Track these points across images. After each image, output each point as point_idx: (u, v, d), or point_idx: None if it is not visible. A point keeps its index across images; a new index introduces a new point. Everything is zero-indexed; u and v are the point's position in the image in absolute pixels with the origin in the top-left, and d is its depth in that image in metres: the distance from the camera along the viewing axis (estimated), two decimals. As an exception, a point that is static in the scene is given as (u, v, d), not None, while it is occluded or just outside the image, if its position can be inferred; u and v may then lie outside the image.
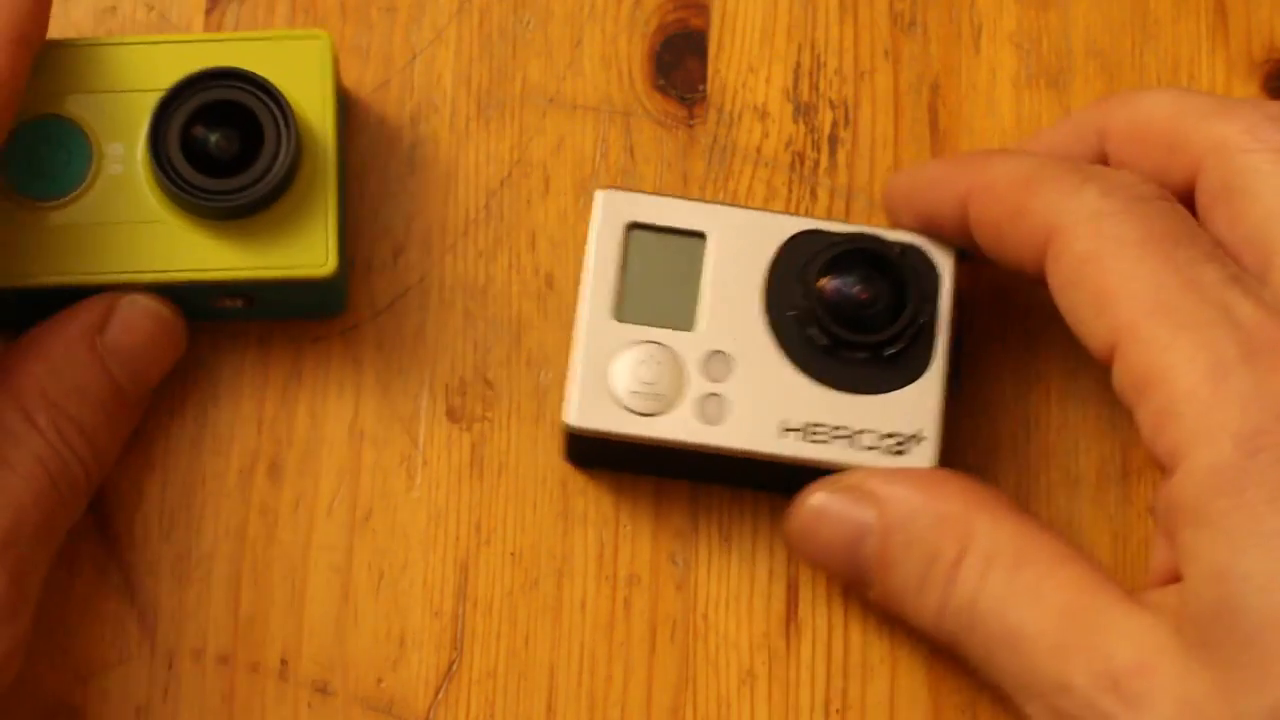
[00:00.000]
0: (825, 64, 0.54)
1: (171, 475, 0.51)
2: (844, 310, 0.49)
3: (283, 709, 0.50)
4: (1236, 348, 0.43)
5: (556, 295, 0.53)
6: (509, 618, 0.51)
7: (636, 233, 0.50)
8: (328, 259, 0.49)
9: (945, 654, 0.51)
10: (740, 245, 0.50)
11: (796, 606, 0.51)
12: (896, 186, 0.50)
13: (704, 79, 0.54)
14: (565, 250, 0.53)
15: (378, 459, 0.52)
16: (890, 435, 0.49)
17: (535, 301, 0.53)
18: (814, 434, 0.49)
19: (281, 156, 0.49)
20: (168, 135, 0.49)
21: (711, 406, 0.49)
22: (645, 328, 0.49)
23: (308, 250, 0.49)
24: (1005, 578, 0.46)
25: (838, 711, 0.51)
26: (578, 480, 0.52)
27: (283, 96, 0.49)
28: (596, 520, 0.52)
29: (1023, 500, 0.52)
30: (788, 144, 0.54)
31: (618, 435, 0.49)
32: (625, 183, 0.53)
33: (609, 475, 0.52)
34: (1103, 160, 0.49)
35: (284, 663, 0.51)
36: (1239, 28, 0.55)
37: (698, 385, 0.49)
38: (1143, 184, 0.46)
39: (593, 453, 0.51)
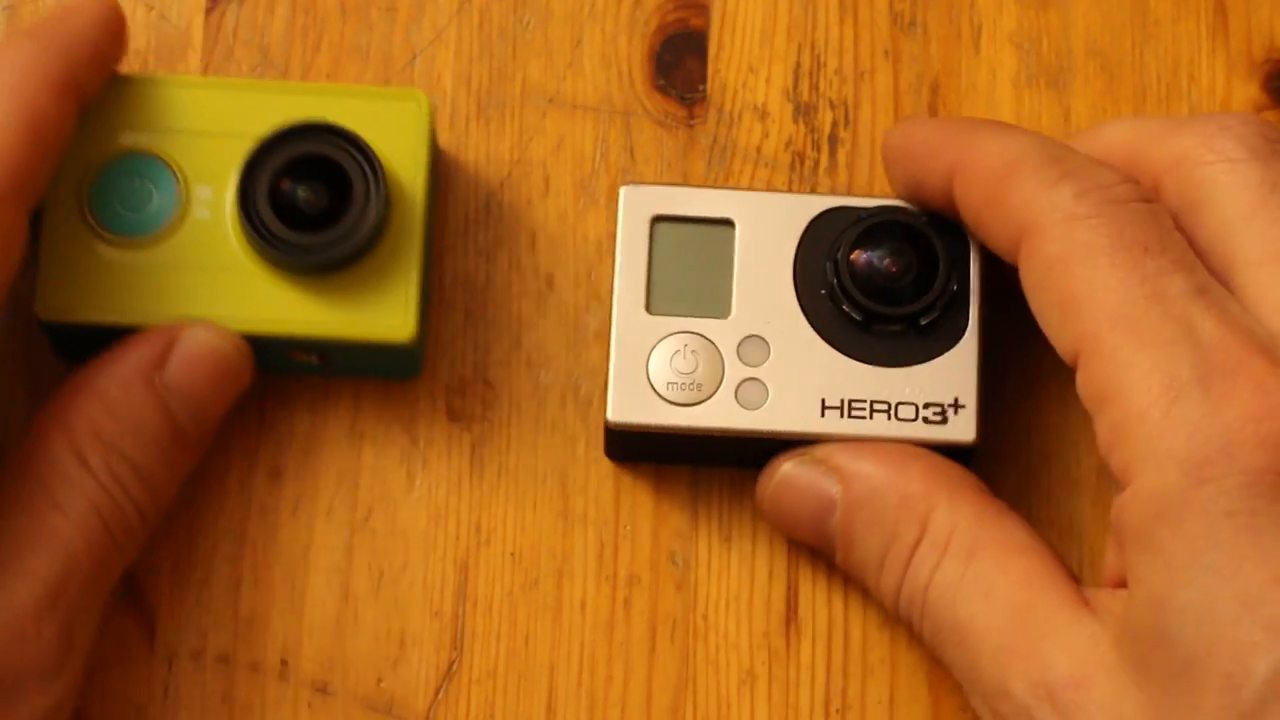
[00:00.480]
0: (825, 64, 0.54)
1: (171, 475, 0.51)
2: (875, 283, 0.49)
3: (283, 709, 0.50)
4: (1192, 369, 0.43)
5: (556, 295, 0.53)
6: (509, 618, 0.51)
7: (662, 225, 0.50)
8: (406, 324, 0.49)
9: (945, 654, 0.51)
10: (767, 228, 0.50)
11: (796, 606, 0.51)
12: (891, 145, 0.50)
13: (704, 79, 0.54)
14: (565, 250, 0.53)
15: (378, 459, 0.52)
16: (929, 405, 0.49)
17: (535, 301, 0.53)
18: (854, 410, 0.49)
19: (370, 215, 0.48)
20: (257, 186, 0.48)
21: (750, 391, 0.49)
22: (679, 318, 0.49)
23: (387, 313, 0.49)
24: (957, 568, 0.46)
25: (838, 711, 0.51)
26: (578, 480, 0.52)
27: (375, 154, 0.48)
28: (596, 520, 0.52)
29: (1023, 500, 0.52)
30: (788, 144, 0.54)
31: (658, 428, 0.49)
32: (625, 183, 0.53)
33: (609, 475, 0.52)
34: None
35: (284, 663, 0.51)
36: (1239, 28, 0.55)
37: (735, 371, 0.49)
38: (1120, 184, 0.46)
39: (634, 447, 0.51)
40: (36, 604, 0.45)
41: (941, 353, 0.49)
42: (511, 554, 0.51)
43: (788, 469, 0.49)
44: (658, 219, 0.50)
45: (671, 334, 0.49)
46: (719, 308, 0.50)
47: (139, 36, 0.54)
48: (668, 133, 0.54)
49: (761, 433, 0.49)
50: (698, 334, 0.49)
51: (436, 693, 0.51)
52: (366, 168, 0.49)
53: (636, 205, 0.50)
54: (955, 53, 0.54)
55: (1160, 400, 0.43)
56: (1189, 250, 0.45)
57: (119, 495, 0.46)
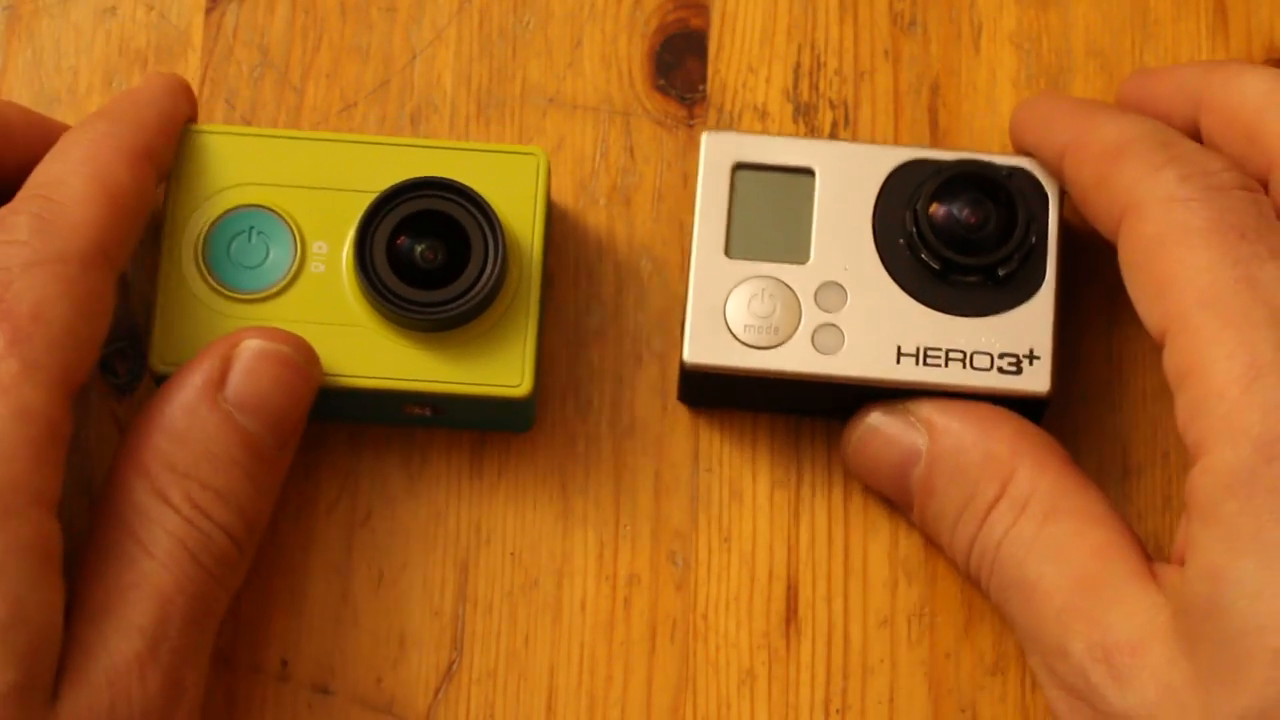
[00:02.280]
0: (825, 64, 0.54)
1: (171, 475, 0.51)
2: (954, 234, 0.49)
3: (282, 709, 0.50)
4: (1276, 351, 0.43)
5: (557, 295, 0.53)
6: (509, 618, 0.51)
7: (743, 172, 0.50)
8: (523, 381, 0.49)
9: (945, 654, 0.51)
10: (847, 178, 0.50)
11: (796, 606, 0.51)
12: (1016, 116, 0.51)
13: (704, 79, 0.54)
14: (565, 250, 0.53)
15: (378, 459, 0.52)
16: (1005, 355, 0.49)
17: (535, 301, 0.53)
18: (929, 358, 0.49)
19: (488, 273, 0.48)
20: (374, 242, 0.48)
21: (827, 336, 0.49)
22: (758, 263, 0.50)
23: (503, 370, 0.49)
24: (1033, 528, 0.47)
25: (838, 711, 0.51)
26: (578, 480, 0.52)
27: (493, 211, 0.48)
28: (596, 520, 0.52)
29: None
30: (788, 144, 0.54)
31: (735, 370, 0.49)
32: (625, 183, 0.53)
33: (609, 474, 0.52)
34: (1194, 128, 0.48)
35: (284, 663, 0.51)
36: (1239, 28, 0.55)
37: (812, 316, 0.49)
38: (1225, 171, 0.46)
39: (708, 391, 0.51)
40: (138, 656, 0.44)
41: (1018, 304, 0.49)
42: (511, 554, 0.51)
43: (876, 417, 0.50)
44: (739, 166, 0.50)
45: (750, 278, 0.50)
46: (798, 254, 0.50)
47: (139, 36, 0.54)
48: (668, 133, 0.54)
49: (837, 378, 0.49)
50: (776, 279, 0.50)
51: (436, 693, 0.51)
52: (484, 224, 0.48)
53: (718, 152, 0.50)
54: (955, 53, 0.55)
55: (1241, 378, 0.43)
56: None
57: (205, 525, 0.45)
